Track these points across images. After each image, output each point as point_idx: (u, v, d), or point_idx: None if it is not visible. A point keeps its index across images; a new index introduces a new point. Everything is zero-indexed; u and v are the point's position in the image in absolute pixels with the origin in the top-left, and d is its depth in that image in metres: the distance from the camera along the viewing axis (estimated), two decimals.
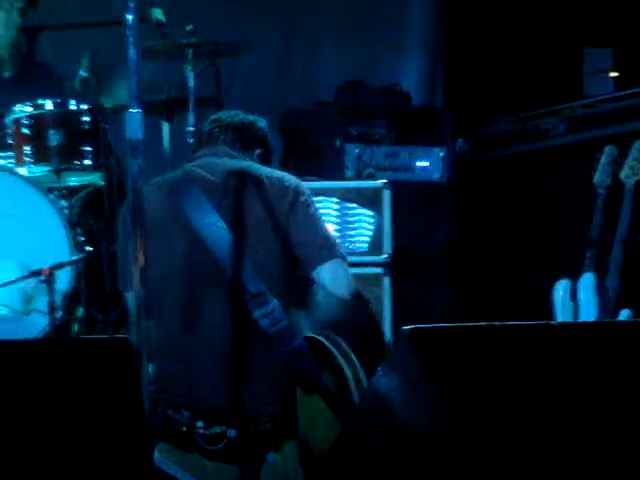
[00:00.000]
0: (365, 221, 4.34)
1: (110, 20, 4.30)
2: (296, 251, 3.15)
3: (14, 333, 3.94)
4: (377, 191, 4.34)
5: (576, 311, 4.11)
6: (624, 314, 4.05)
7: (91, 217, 4.61)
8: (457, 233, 5.28)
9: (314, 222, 3.20)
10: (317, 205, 3.31)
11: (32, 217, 4.11)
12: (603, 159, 4.27)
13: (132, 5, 2.48)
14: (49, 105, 4.32)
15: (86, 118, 4.33)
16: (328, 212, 4.27)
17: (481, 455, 2.08)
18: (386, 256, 4.31)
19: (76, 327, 4.33)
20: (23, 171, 4.28)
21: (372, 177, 4.95)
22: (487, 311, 5.19)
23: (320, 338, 3.08)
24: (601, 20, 5.72)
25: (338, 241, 3.30)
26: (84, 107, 4.35)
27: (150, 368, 2.41)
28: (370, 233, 4.32)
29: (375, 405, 2.19)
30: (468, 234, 5.47)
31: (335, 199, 4.31)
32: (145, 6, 4.43)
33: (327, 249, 3.17)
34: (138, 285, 2.45)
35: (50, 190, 4.36)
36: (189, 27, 4.65)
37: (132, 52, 2.47)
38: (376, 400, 2.18)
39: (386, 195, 4.33)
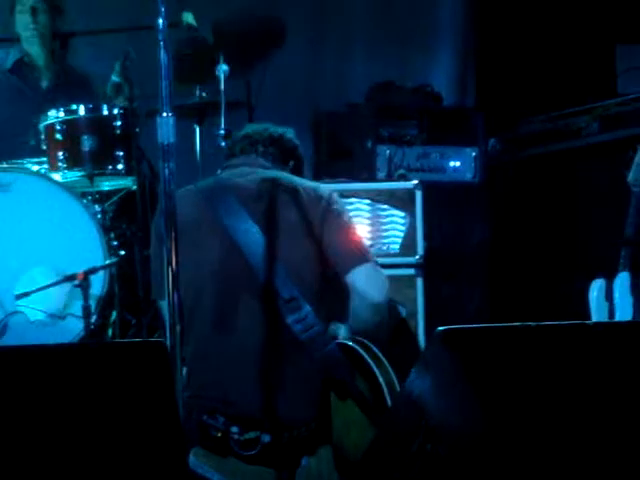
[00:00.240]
0: (397, 222, 4.33)
1: (142, 25, 4.32)
2: (329, 257, 3.16)
3: (50, 338, 3.97)
4: (409, 192, 4.33)
5: (611, 311, 4.08)
6: None
7: (124, 221, 4.64)
8: (490, 233, 5.26)
9: (347, 229, 3.21)
10: (349, 207, 3.32)
11: (66, 222, 4.14)
12: (637, 157, 4.23)
13: (163, 9, 2.50)
14: (82, 110, 4.35)
15: (118, 123, 4.36)
16: (360, 213, 4.27)
17: (516, 456, 2.06)
18: (418, 257, 4.30)
19: (110, 331, 4.35)
20: (57, 176, 4.31)
21: (404, 178, 4.93)
22: (521, 311, 5.16)
23: (351, 343, 3.09)
24: (634, 17, 5.67)
25: (370, 246, 3.31)
26: (116, 112, 4.37)
27: (184, 372, 2.41)
28: (402, 234, 4.32)
29: (409, 407, 2.18)
30: (501, 234, 5.44)
31: (367, 200, 4.31)
32: (176, 10, 4.45)
33: (359, 254, 3.18)
34: (171, 290, 2.46)
35: (83, 195, 4.39)
36: None
37: (163, 56, 2.48)
38: (410, 402, 2.17)
39: (418, 196, 4.32)
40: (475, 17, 6.22)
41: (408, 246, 4.30)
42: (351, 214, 3.71)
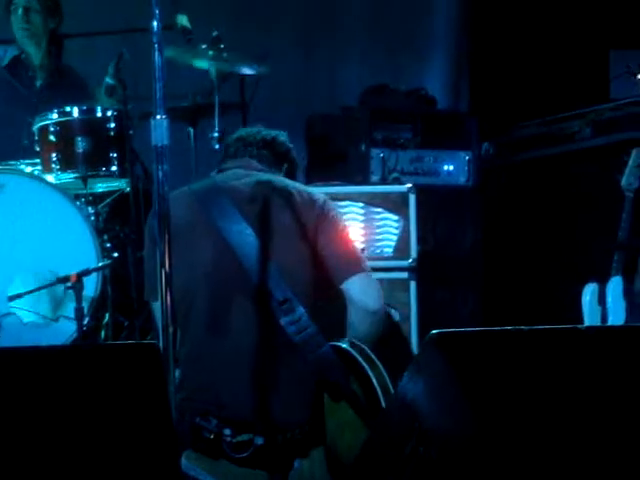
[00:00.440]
0: (390, 225, 4.33)
1: (136, 27, 4.32)
2: (324, 263, 3.16)
3: (43, 339, 3.96)
4: (402, 195, 4.34)
5: (604, 315, 4.08)
6: None
7: (117, 223, 4.64)
8: (483, 237, 5.25)
9: (341, 237, 3.22)
10: (342, 210, 3.32)
11: (59, 224, 4.14)
12: (631, 162, 4.24)
13: (157, 12, 2.50)
14: (75, 112, 4.35)
15: (112, 125, 4.36)
16: (354, 217, 4.27)
17: (508, 460, 2.07)
18: (412, 260, 4.30)
19: (103, 333, 4.35)
20: (50, 178, 4.31)
21: (397, 181, 4.94)
22: (514, 315, 5.16)
23: (344, 346, 3.09)
24: (627, 22, 5.69)
25: (363, 251, 3.31)
26: (110, 114, 4.37)
27: (177, 374, 2.41)
28: (395, 238, 4.32)
29: (402, 410, 2.19)
30: (494, 238, 5.45)
31: (361, 204, 4.31)
32: (170, 13, 4.45)
33: (354, 263, 3.19)
34: (164, 292, 2.45)
35: (77, 197, 4.39)
36: (215, 33, 4.67)
37: (157, 58, 2.48)
38: (403, 405, 2.17)
39: (411, 199, 4.32)
40: (469, 21, 6.23)
41: (402, 249, 4.30)
42: (345, 217, 3.72)
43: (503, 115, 5.74)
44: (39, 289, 3.99)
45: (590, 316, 4.09)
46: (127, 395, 2.00)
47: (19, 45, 4.78)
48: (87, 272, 3.94)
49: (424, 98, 5.55)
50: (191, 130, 4.85)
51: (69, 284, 3.88)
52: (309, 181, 4.86)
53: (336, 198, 3.65)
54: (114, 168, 4.36)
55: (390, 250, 4.32)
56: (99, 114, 4.38)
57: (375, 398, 2.96)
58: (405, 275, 4.31)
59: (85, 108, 4.39)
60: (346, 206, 4.23)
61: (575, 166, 5.31)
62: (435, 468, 2.08)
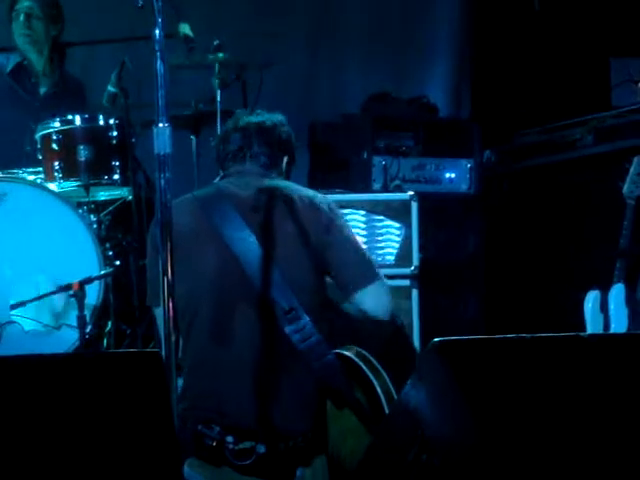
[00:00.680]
0: (392, 233, 4.33)
1: (138, 36, 4.33)
2: (335, 273, 3.14)
3: (45, 348, 3.96)
4: (404, 203, 4.34)
5: (606, 322, 4.08)
6: None
7: (120, 231, 4.64)
8: (485, 244, 5.26)
9: (351, 244, 3.18)
10: (345, 218, 3.31)
11: (62, 232, 4.14)
12: (632, 169, 4.24)
13: (160, 20, 2.50)
14: (78, 120, 4.36)
15: (114, 133, 4.36)
16: (356, 224, 4.28)
17: (510, 467, 2.06)
18: (414, 268, 4.30)
19: (105, 341, 4.35)
20: (53, 186, 4.31)
21: (399, 189, 4.94)
22: (516, 323, 5.16)
23: (348, 354, 3.08)
24: (628, 30, 5.70)
25: (373, 257, 3.29)
26: (112, 122, 4.38)
27: (179, 382, 2.41)
28: (397, 245, 4.32)
29: (405, 417, 2.18)
30: (496, 245, 5.45)
31: (362, 211, 4.32)
32: (173, 21, 4.46)
33: (367, 271, 3.15)
34: (167, 299, 2.46)
35: (79, 205, 4.39)
36: (216, 42, 4.68)
37: (159, 67, 2.49)
38: (406, 412, 2.17)
39: (413, 207, 4.33)
40: (471, 30, 6.24)
41: (403, 257, 4.31)
42: None
43: (505, 123, 5.74)
44: (41, 297, 3.99)
45: (592, 324, 4.09)
46: (129, 403, 2.00)
47: (21, 52, 4.80)
48: (89, 280, 3.94)
49: (426, 106, 5.56)
50: (193, 138, 4.86)
51: (71, 292, 3.88)
52: (311, 189, 4.86)
53: (338, 206, 3.64)
54: (116, 176, 4.37)
55: (392, 258, 4.32)
56: (101, 122, 4.39)
57: (379, 405, 2.95)
58: (407, 283, 4.31)
59: (87, 116, 4.40)
60: (348, 214, 4.23)
61: (577, 174, 5.31)
62: (438, 475, 2.08)
